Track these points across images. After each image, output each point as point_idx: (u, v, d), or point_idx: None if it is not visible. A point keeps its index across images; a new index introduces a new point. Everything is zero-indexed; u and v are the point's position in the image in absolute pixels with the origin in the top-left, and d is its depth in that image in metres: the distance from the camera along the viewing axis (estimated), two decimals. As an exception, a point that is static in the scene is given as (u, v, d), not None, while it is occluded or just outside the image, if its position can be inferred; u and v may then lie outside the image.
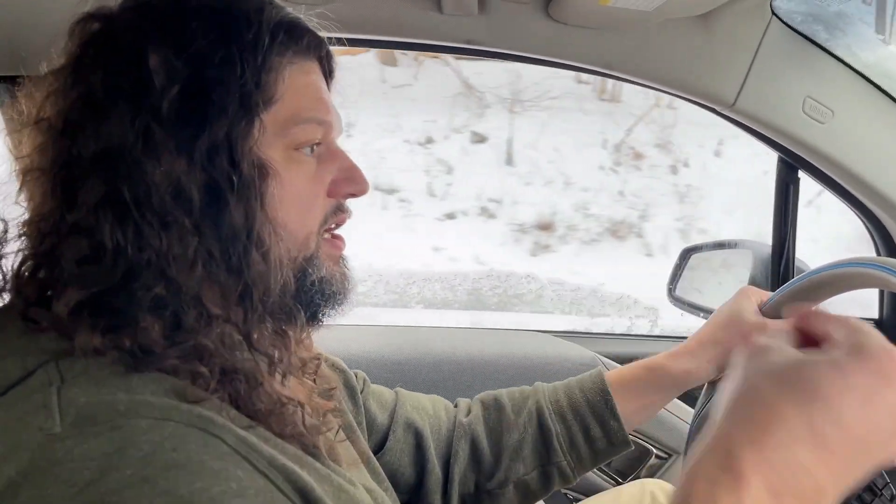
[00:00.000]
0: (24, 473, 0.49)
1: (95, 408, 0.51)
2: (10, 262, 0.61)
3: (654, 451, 1.48)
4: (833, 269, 0.84)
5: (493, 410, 0.97)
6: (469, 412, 0.98)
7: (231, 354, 0.59)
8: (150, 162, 0.57)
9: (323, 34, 0.71)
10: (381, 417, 0.93)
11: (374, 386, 0.96)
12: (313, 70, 0.69)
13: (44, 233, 0.58)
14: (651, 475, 1.48)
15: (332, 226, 0.71)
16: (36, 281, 0.60)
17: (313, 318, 0.69)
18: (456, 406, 1.00)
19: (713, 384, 0.98)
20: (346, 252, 0.73)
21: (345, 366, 0.91)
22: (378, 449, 0.91)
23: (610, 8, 1.07)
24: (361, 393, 0.92)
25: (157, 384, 0.55)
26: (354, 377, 0.92)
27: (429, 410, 0.97)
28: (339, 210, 0.70)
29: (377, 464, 0.83)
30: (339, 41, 0.77)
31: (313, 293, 0.67)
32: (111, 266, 0.56)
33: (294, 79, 0.65)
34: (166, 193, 0.57)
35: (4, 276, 0.61)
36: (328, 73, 0.72)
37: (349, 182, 0.70)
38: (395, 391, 0.98)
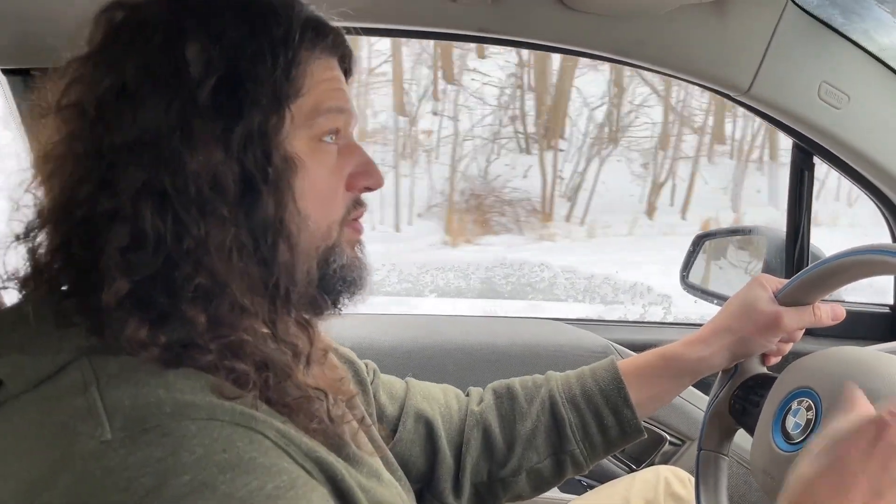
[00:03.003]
0: (79, 485, 0.49)
1: (142, 411, 0.52)
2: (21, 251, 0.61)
3: (668, 437, 1.48)
4: (848, 256, 0.84)
5: (506, 399, 0.97)
6: (481, 401, 0.98)
7: (263, 347, 0.61)
8: (188, 151, 0.58)
9: (337, 23, 0.72)
10: (391, 408, 0.93)
11: (383, 376, 0.97)
12: (335, 66, 0.70)
13: (80, 219, 0.59)
14: (665, 462, 1.49)
15: (352, 219, 0.72)
16: (72, 270, 0.60)
17: (335, 305, 0.70)
18: (468, 395, 1.00)
19: (727, 372, 0.98)
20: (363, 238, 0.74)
21: (355, 357, 0.92)
22: (388, 440, 0.91)
23: (623, -6, 1.07)
24: (371, 384, 0.92)
25: (195, 380, 0.56)
26: (364, 368, 0.93)
27: (440, 399, 0.97)
28: (357, 204, 0.72)
29: (390, 454, 0.83)
30: (354, 30, 0.78)
31: (335, 281, 0.68)
32: (153, 254, 0.57)
33: (319, 73, 0.66)
34: (204, 183, 0.58)
35: (36, 265, 0.61)
36: (347, 72, 0.73)
37: (366, 175, 0.71)
38: (406, 381, 0.98)
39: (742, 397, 0.95)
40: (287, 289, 0.63)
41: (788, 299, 0.92)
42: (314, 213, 0.65)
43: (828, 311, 0.93)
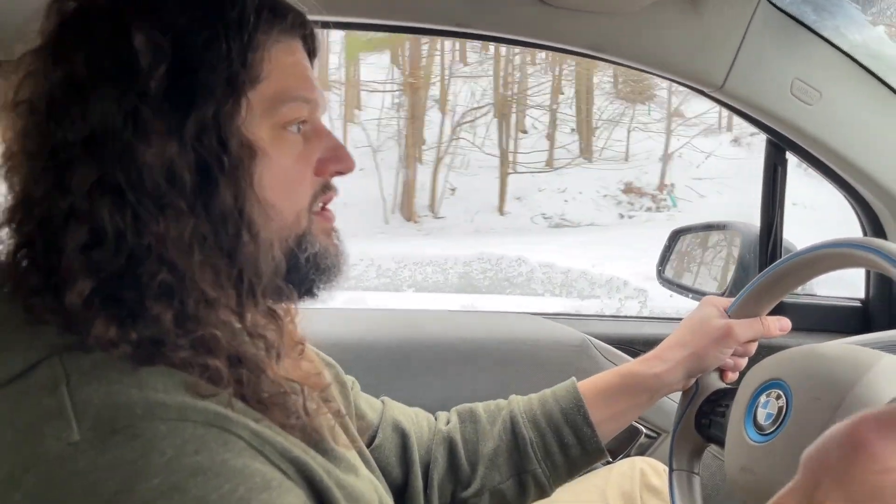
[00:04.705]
0: (45, 487, 0.49)
1: (112, 411, 0.51)
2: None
3: (644, 430, 1.49)
4: (788, 261, 0.88)
5: (469, 422, 0.98)
6: (448, 422, 0.99)
7: (235, 341, 0.60)
8: (141, 144, 0.56)
9: (310, 17, 0.71)
10: (371, 414, 0.94)
11: (362, 393, 0.97)
12: (298, 49, 0.68)
13: (38, 219, 0.58)
14: (641, 454, 1.50)
15: (321, 204, 0.71)
16: (36, 270, 0.59)
17: (309, 293, 0.69)
18: (436, 418, 1.01)
19: (687, 393, 1.00)
20: (337, 225, 0.73)
21: (334, 361, 0.92)
22: (368, 444, 0.91)
23: (599, -10, 1.07)
24: (352, 390, 0.92)
25: (168, 378, 0.55)
26: (344, 373, 0.93)
27: (412, 417, 0.98)
28: (326, 188, 0.70)
29: (369, 454, 0.83)
30: (327, 24, 0.77)
31: (308, 269, 0.67)
32: (114, 251, 0.56)
33: (279, 58, 0.64)
34: (159, 175, 0.57)
35: (2, 264, 0.60)
36: (311, 52, 0.71)
37: (336, 160, 0.70)
38: (382, 399, 0.99)
39: (707, 412, 0.96)
40: (252, 279, 0.62)
41: (739, 313, 0.96)
42: (279, 202, 0.64)
43: (775, 323, 0.97)
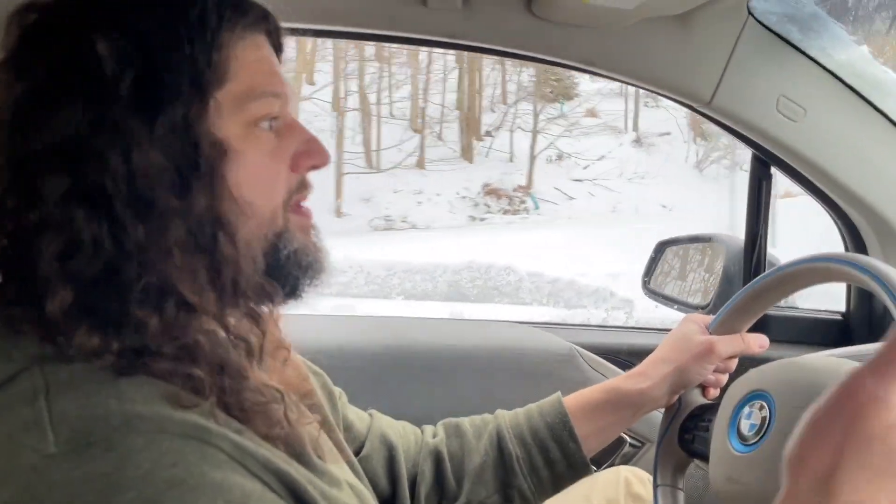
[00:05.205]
0: (20, 498, 0.48)
1: (89, 423, 0.51)
2: None
3: (629, 439, 1.51)
4: (768, 277, 0.91)
5: (454, 437, 0.98)
6: (435, 435, 0.99)
7: (217, 348, 0.59)
8: (111, 150, 0.56)
9: (303, 26, 0.71)
10: (359, 425, 0.94)
11: (350, 405, 0.96)
12: (263, 44, 0.67)
13: (10, 231, 0.57)
14: (625, 463, 1.51)
15: (297, 200, 0.70)
16: (13, 281, 0.58)
17: (293, 293, 0.68)
18: (423, 431, 1.01)
19: (670, 410, 1.01)
20: (315, 222, 0.72)
21: (321, 370, 0.91)
22: (356, 454, 0.90)
23: (590, 6, 1.09)
24: (339, 399, 0.92)
25: (148, 388, 0.54)
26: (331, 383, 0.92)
27: (399, 430, 0.98)
28: (301, 185, 0.69)
29: (357, 464, 0.83)
30: (321, 33, 0.77)
31: (290, 267, 0.66)
32: (91, 259, 0.55)
33: (245, 54, 0.64)
34: (132, 181, 0.56)
35: None
36: (277, 47, 0.70)
37: (310, 155, 0.69)
38: (370, 412, 0.99)
39: (691, 428, 0.98)
40: (234, 280, 0.61)
41: (720, 330, 0.98)
42: (255, 200, 0.63)
43: (755, 339, 0.99)
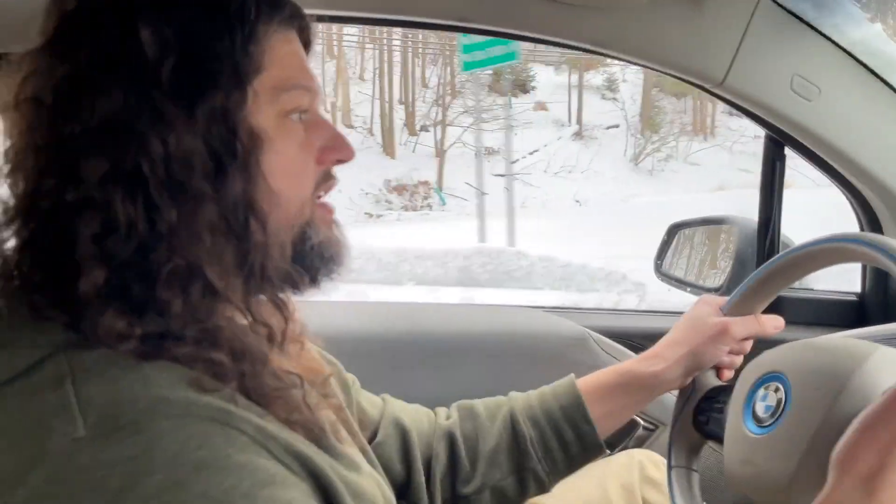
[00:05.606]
0: (52, 481, 0.49)
1: (116, 407, 0.52)
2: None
3: (642, 422, 1.51)
4: (782, 258, 0.90)
5: (468, 419, 0.98)
6: (448, 417, 1.00)
7: (239, 333, 0.60)
8: (152, 134, 0.58)
9: (312, 10, 0.71)
10: (372, 411, 0.95)
11: (363, 391, 0.97)
12: (294, 39, 0.69)
13: (46, 211, 0.58)
14: (638, 446, 1.51)
15: (321, 193, 0.72)
16: (41, 266, 0.59)
17: (314, 282, 0.70)
18: (436, 413, 1.02)
19: (684, 392, 1.01)
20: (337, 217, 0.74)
21: (335, 359, 0.92)
22: (369, 441, 0.92)
23: (602, -14, 1.08)
24: (353, 387, 0.93)
25: (171, 373, 0.55)
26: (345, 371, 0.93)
27: (412, 414, 0.99)
28: (327, 177, 0.71)
29: (371, 451, 0.84)
30: (331, 18, 0.78)
31: (313, 258, 0.68)
32: (125, 240, 0.56)
33: (279, 48, 0.66)
34: (171, 164, 0.58)
35: (7, 260, 0.60)
36: (307, 44, 0.73)
37: (336, 149, 0.71)
38: (382, 397, 1.00)
39: (705, 410, 0.97)
40: (262, 267, 0.63)
41: (734, 311, 0.97)
42: (285, 190, 0.65)
43: (771, 320, 0.98)
